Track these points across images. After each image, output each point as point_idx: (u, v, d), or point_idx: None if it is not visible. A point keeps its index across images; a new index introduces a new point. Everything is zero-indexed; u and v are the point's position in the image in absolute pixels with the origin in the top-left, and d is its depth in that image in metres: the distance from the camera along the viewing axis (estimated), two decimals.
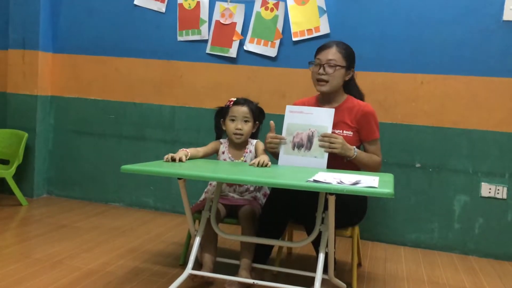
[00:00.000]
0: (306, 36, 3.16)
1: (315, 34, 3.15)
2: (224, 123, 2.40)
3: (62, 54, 3.76)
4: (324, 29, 3.13)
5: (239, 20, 3.30)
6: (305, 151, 2.21)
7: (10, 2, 3.67)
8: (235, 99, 2.39)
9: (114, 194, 3.71)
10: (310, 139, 2.21)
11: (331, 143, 2.16)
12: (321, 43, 2.41)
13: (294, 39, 3.19)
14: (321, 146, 2.18)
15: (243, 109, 2.34)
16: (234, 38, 3.31)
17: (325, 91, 2.33)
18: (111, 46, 3.64)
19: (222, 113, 2.42)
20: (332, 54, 2.30)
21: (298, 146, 2.23)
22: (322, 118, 2.20)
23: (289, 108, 2.29)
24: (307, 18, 3.15)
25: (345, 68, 2.32)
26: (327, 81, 2.30)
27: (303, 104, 2.44)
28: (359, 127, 2.32)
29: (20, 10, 3.65)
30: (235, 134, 2.33)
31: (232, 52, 3.34)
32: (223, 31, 3.35)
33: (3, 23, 3.75)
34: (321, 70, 2.30)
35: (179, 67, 3.50)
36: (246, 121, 2.34)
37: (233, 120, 2.35)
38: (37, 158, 3.73)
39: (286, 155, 2.24)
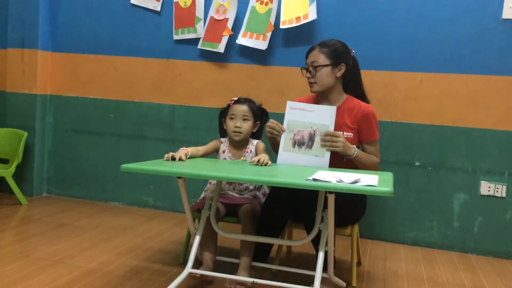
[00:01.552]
0: (294, 24, 3.11)
1: (303, 22, 3.08)
2: (225, 121, 2.40)
3: (61, 53, 3.76)
4: (312, 16, 3.06)
5: (231, 15, 3.29)
6: (306, 149, 2.20)
7: (10, 1, 3.66)
8: (237, 98, 2.39)
9: (113, 193, 3.71)
10: (311, 137, 2.20)
11: (333, 141, 2.16)
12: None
13: (282, 26, 3.14)
14: (323, 145, 2.17)
15: (243, 108, 2.34)
16: (223, 34, 3.29)
17: (316, 91, 2.36)
18: (110, 45, 3.64)
19: (224, 112, 2.43)
20: (315, 56, 2.32)
21: (299, 144, 2.22)
22: (324, 116, 2.19)
23: (290, 104, 2.27)
24: (296, 6, 3.10)
25: (330, 66, 2.30)
26: (315, 82, 2.33)
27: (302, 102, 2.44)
28: (359, 128, 2.32)
29: (19, 9, 3.64)
30: (234, 132, 2.33)
31: (221, 47, 3.31)
32: (216, 27, 3.33)
33: (2, 22, 3.74)
34: (308, 74, 2.34)
35: (178, 65, 3.50)
36: (245, 120, 2.34)
37: (232, 118, 2.35)
38: (36, 157, 3.73)
39: (286, 152, 2.23)
